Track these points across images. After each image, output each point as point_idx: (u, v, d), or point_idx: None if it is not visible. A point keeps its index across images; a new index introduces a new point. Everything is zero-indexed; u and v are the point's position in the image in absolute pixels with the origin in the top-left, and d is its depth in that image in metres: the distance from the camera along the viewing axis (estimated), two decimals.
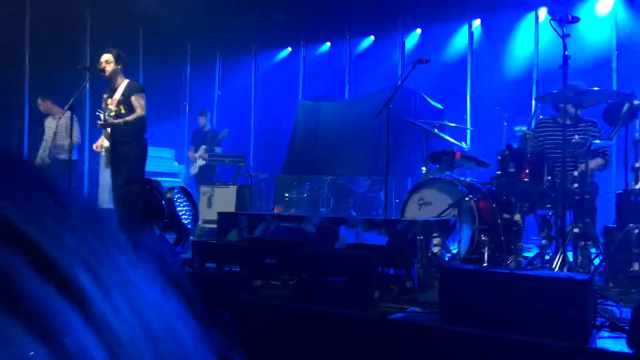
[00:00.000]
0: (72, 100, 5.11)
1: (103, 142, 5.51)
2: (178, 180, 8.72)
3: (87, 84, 5.55)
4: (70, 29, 9.03)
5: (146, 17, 9.17)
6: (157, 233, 3.42)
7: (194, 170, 8.85)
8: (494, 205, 4.42)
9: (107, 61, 5.38)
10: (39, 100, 7.48)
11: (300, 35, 10.56)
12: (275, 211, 8.06)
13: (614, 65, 7.87)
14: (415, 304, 3.12)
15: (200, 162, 8.76)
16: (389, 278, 3.55)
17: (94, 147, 5.73)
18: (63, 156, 7.00)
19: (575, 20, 3.85)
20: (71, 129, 5.79)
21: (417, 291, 3.41)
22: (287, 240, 4.25)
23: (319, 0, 8.97)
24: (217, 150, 8.85)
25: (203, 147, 8.76)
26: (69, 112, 6.75)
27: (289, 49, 11.06)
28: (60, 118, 7.11)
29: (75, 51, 9.18)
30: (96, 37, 9.21)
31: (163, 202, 3.27)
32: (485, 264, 4.15)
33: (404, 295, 3.31)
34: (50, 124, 7.41)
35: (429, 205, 4.73)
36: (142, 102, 5.39)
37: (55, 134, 7.21)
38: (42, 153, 7.28)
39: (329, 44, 10.71)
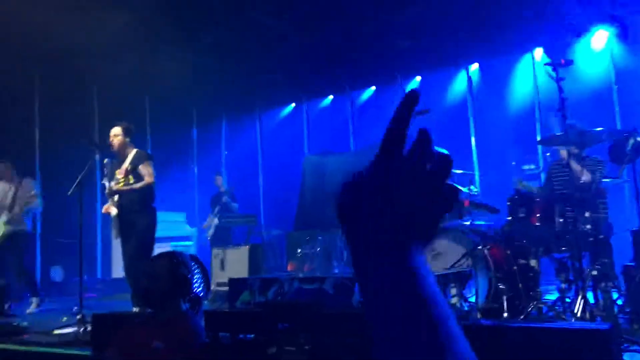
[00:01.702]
0: (80, 176, 5.17)
1: (110, 210, 5.52)
2: (190, 243, 8.73)
3: (96, 159, 5.62)
4: (78, 101, 9.28)
5: (151, 86, 9.41)
6: (185, 308, 3.40)
7: (210, 232, 8.82)
8: (508, 251, 4.35)
9: (116, 135, 5.49)
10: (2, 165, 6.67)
11: (302, 91, 10.76)
12: (289, 268, 7.99)
13: (615, 98, 7.90)
14: None
15: (215, 222, 8.73)
16: None
17: (103, 210, 5.73)
18: (17, 227, 6.45)
19: (569, 63, 3.89)
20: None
21: None
22: (299, 302, 4.19)
23: (317, 56, 9.18)
24: (235, 207, 8.83)
25: (217, 207, 8.77)
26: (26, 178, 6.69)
27: (292, 105, 11.25)
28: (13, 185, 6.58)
29: (84, 123, 9.40)
30: (104, 107, 9.46)
31: (188, 275, 3.27)
32: (505, 314, 4.04)
33: None
34: (3, 189, 6.62)
35: (440, 255, 4.67)
36: (150, 169, 5.44)
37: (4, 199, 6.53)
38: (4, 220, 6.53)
39: (331, 97, 10.89)
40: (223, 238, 8.49)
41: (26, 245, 6.63)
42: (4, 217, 6.46)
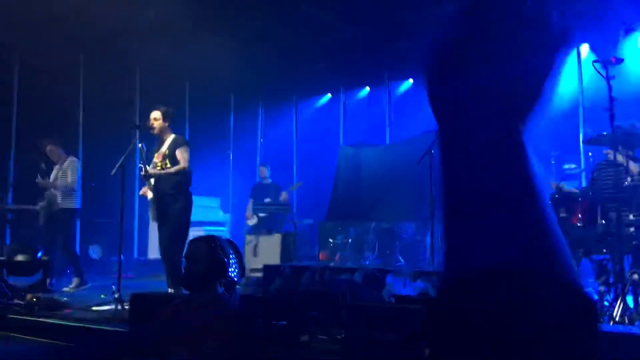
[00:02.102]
0: (122, 158, 5.28)
1: (147, 193, 5.61)
2: (224, 229, 8.83)
3: (137, 141, 5.72)
4: (121, 83, 9.45)
5: (192, 72, 9.52)
6: (221, 291, 3.48)
7: (252, 222, 8.56)
8: None
9: (156, 118, 5.56)
10: (49, 146, 6.89)
11: (339, 81, 10.73)
12: (321, 257, 8.04)
13: None
14: None
15: (261, 214, 8.50)
16: None
17: (141, 193, 5.83)
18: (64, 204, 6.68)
19: (620, 61, 3.78)
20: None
21: None
22: (333, 291, 4.21)
23: (357, 46, 9.13)
24: (283, 197, 8.61)
25: (267, 199, 8.60)
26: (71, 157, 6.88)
27: (329, 95, 11.24)
28: (60, 163, 6.79)
29: (125, 105, 9.59)
30: (145, 92, 9.63)
31: (226, 259, 3.34)
32: None
33: None
34: (54, 172, 6.87)
35: None
36: (186, 155, 5.50)
37: (55, 179, 6.78)
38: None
39: (368, 88, 10.82)
40: (266, 227, 8.33)
41: (68, 223, 6.78)
42: (53, 197, 6.67)
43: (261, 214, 8.42)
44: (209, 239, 3.55)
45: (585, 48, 8.32)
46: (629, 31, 7.79)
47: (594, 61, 3.80)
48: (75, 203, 6.79)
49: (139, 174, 5.71)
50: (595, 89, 6.78)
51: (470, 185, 0.53)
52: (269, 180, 8.93)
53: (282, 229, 7.84)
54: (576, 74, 8.43)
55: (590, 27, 7.58)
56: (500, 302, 0.53)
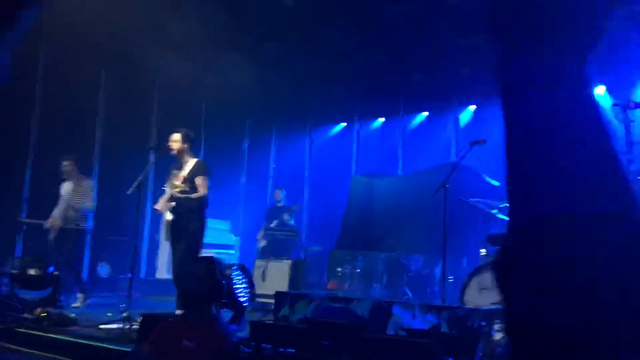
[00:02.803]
0: (140, 178, 5.34)
1: (165, 213, 5.66)
2: (233, 252, 8.82)
3: (153, 163, 5.78)
4: (140, 104, 9.57)
5: (210, 94, 9.64)
6: (215, 312, 3.46)
7: (262, 244, 8.67)
8: None
9: (175, 140, 5.64)
10: (68, 163, 6.83)
11: (354, 111, 10.82)
12: (329, 286, 7.99)
13: None
14: None
15: (270, 237, 8.62)
16: None
17: (155, 207, 5.88)
18: (68, 225, 6.66)
19: (638, 106, 3.80)
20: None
21: None
22: (343, 322, 4.18)
23: (375, 75, 9.22)
24: (288, 220, 8.75)
25: (275, 222, 8.69)
26: (86, 179, 6.94)
27: (343, 124, 11.32)
28: (77, 183, 6.79)
29: (143, 125, 9.70)
30: (163, 111, 9.75)
31: (223, 281, 3.34)
32: None
33: None
34: (67, 188, 6.84)
35: (487, 290, 4.59)
36: (206, 182, 5.59)
37: (70, 196, 6.76)
38: (57, 216, 6.75)
39: (382, 119, 10.90)
40: (273, 251, 8.38)
41: (75, 242, 6.82)
42: (64, 215, 6.71)
43: (270, 238, 8.47)
44: (209, 260, 3.58)
45: (601, 89, 8.35)
46: None
47: (613, 104, 3.83)
48: (87, 224, 6.89)
49: (163, 196, 5.73)
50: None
51: (542, 124, 0.53)
52: (282, 203, 9.00)
53: (291, 256, 7.83)
54: None
55: (606, 69, 7.63)
56: (591, 250, 0.51)
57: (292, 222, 8.83)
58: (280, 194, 9.07)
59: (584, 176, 0.50)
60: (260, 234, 8.71)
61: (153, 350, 3.13)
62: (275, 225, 8.63)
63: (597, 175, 0.50)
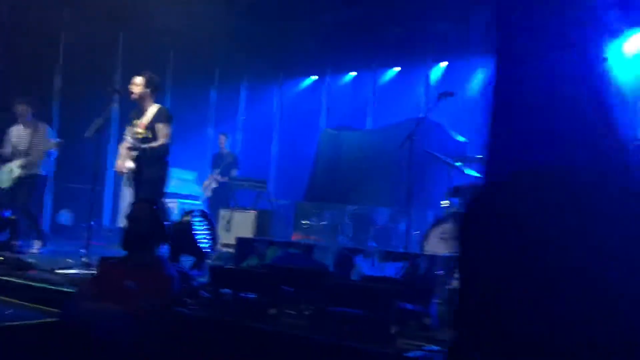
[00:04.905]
0: (99, 121, 5.17)
1: (125, 163, 5.47)
2: (198, 202, 8.75)
3: (115, 106, 5.58)
4: (104, 50, 9.24)
5: (177, 41, 9.36)
6: (164, 256, 3.45)
7: (207, 193, 8.84)
8: None
9: (137, 84, 5.39)
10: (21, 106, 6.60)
11: (326, 64, 10.67)
12: (294, 238, 8.03)
13: None
14: (433, 342, 3.04)
15: (214, 185, 8.79)
16: (407, 314, 3.47)
17: (115, 169, 5.70)
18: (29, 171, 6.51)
19: None
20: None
21: (436, 329, 3.32)
22: (305, 268, 4.20)
23: (347, 30, 9.07)
24: (234, 173, 8.87)
25: (217, 170, 8.80)
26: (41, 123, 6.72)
27: (314, 77, 11.17)
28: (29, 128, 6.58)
29: (107, 72, 9.38)
30: (128, 59, 9.43)
31: (167, 223, 3.31)
32: None
33: (422, 332, 3.23)
34: (17, 132, 6.64)
35: (448, 240, 4.66)
36: (168, 131, 5.33)
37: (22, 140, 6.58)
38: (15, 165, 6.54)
39: (354, 73, 10.79)
40: (222, 200, 8.49)
41: (36, 188, 6.67)
42: (19, 162, 6.51)
43: (214, 186, 8.59)
44: (152, 202, 3.53)
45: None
46: (613, 36, 7.82)
47: None
48: (45, 170, 6.69)
49: (123, 145, 5.51)
50: None
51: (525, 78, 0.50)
52: (226, 150, 9.09)
53: (257, 206, 7.81)
54: None
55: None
56: (558, 203, 0.50)
57: (235, 170, 8.91)
58: (223, 140, 9.12)
59: (566, 134, 0.48)
60: (208, 182, 8.81)
61: (95, 289, 3.11)
62: (218, 173, 8.74)
63: (583, 132, 0.47)
